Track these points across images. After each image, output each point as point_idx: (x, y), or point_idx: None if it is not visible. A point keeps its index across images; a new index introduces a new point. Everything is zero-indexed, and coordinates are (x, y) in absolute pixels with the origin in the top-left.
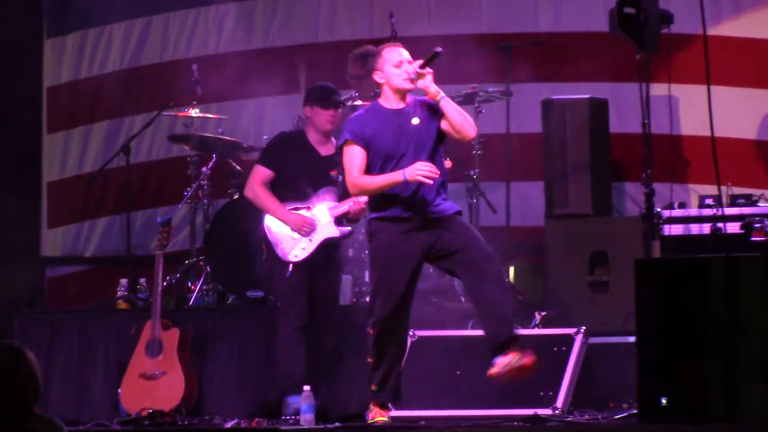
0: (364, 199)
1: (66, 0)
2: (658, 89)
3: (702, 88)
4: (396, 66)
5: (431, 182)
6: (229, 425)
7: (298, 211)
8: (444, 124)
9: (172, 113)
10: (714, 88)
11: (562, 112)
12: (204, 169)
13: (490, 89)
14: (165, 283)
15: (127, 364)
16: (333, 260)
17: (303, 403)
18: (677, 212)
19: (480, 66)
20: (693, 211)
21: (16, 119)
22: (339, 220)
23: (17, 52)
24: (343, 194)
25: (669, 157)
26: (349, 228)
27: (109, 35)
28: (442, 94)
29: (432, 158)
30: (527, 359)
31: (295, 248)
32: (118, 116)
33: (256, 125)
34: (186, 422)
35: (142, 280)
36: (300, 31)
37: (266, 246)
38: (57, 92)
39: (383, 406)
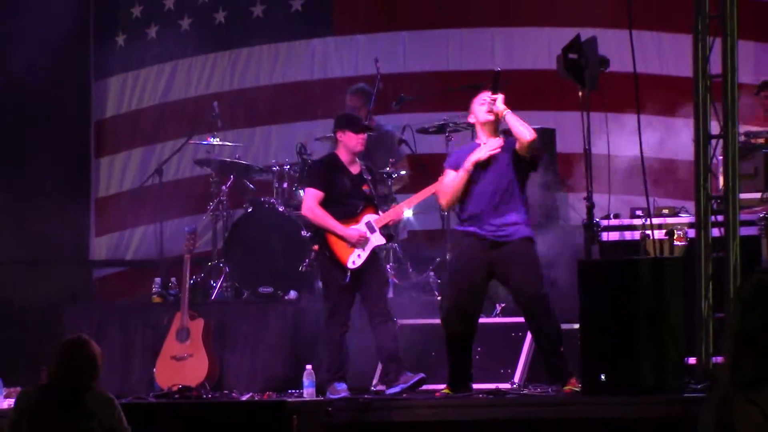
0: (402, 210)
1: (110, 48)
2: (594, 116)
3: (630, 116)
4: (480, 104)
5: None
6: (244, 398)
7: (350, 226)
8: (516, 144)
9: (196, 141)
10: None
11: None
12: (223, 187)
13: (458, 120)
14: (191, 281)
15: (160, 349)
16: (377, 263)
17: (306, 379)
18: (613, 221)
19: (448, 100)
20: (626, 221)
21: (69, 148)
22: (382, 230)
23: (70, 92)
24: (379, 206)
25: (606, 173)
26: (392, 236)
27: (145, 77)
28: (508, 110)
29: (510, 185)
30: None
31: (352, 256)
32: (152, 143)
33: (264, 150)
34: (209, 396)
35: (173, 279)
36: (298, 70)
37: (323, 256)
38: (103, 125)
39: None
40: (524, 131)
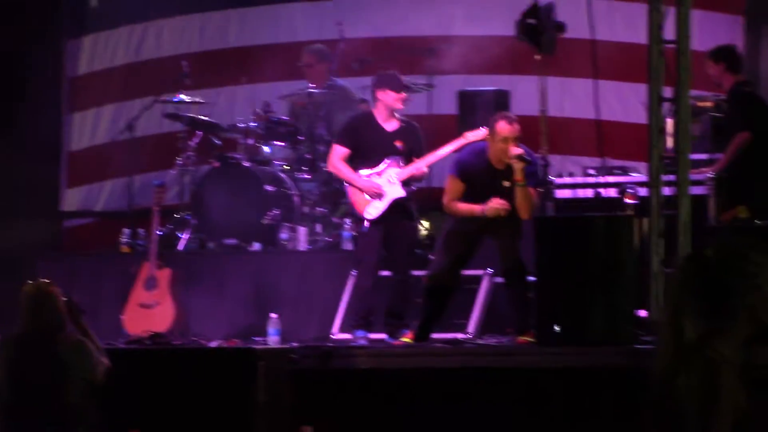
0: (425, 165)
1: (83, 9)
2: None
3: (583, 81)
4: (507, 145)
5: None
6: (212, 344)
7: (370, 178)
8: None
9: (166, 98)
10: (594, 81)
11: (473, 99)
12: (191, 143)
13: (418, 82)
14: (159, 233)
15: (128, 297)
16: (404, 219)
17: (270, 327)
18: (567, 180)
19: (409, 63)
20: (579, 179)
21: (44, 103)
22: (405, 183)
23: (44, 50)
24: (407, 161)
25: (560, 135)
26: (414, 188)
27: (117, 37)
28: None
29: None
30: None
31: (370, 207)
32: (123, 100)
33: (230, 109)
34: (178, 342)
35: (141, 230)
36: (265, 34)
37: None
38: (76, 81)
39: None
40: (527, 209)
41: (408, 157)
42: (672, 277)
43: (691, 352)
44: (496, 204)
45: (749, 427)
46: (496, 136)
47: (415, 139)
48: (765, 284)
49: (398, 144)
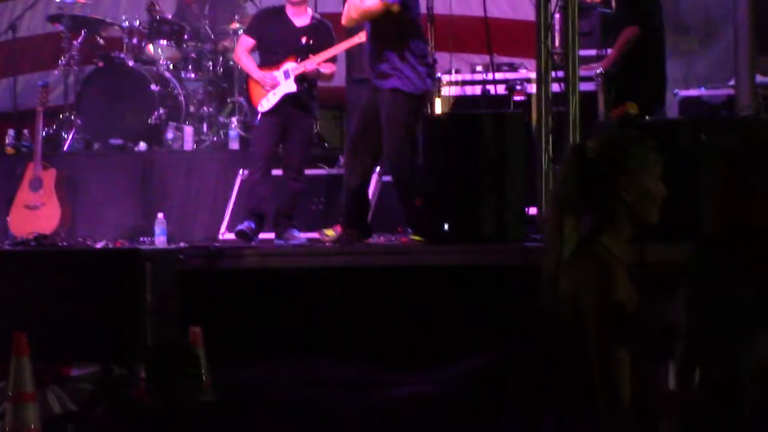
0: (318, 63)
1: None
2: None
3: None
4: None
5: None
6: (99, 245)
7: (268, 71)
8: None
9: None
10: None
11: None
12: (75, 42)
13: None
14: (44, 134)
15: (14, 198)
16: (303, 121)
17: (157, 227)
18: (455, 77)
19: None
20: (467, 76)
21: None
22: (299, 79)
23: None
24: (305, 58)
25: (447, 32)
26: (306, 84)
27: None
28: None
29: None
30: None
31: (263, 100)
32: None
33: (114, 7)
34: (64, 244)
35: (26, 131)
36: None
37: (247, 100)
38: None
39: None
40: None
41: (316, 54)
42: (557, 172)
43: (578, 249)
44: None
45: (641, 326)
46: None
47: (325, 38)
48: (644, 179)
49: (303, 39)
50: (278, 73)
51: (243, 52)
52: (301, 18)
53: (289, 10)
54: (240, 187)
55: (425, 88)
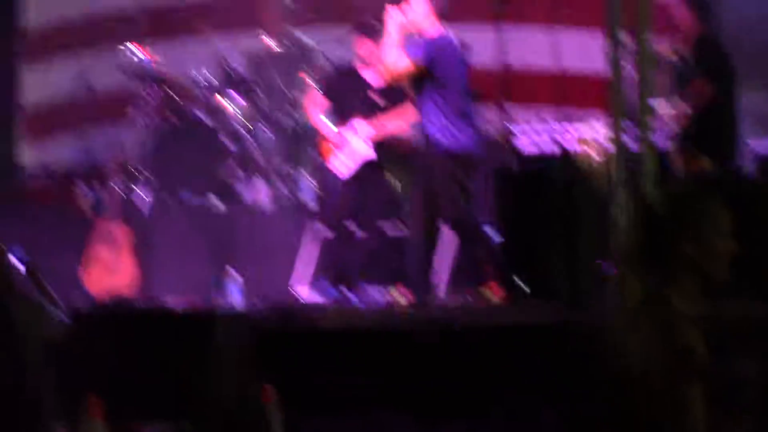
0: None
1: None
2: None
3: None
4: None
5: None
6: (172, 304)
7: (341, 130)
8: None
9: (121, 51)
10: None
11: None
12: (147, 97)
13: None
14: (117, 189)
15: (87, 253)
16: (377, 173)
17: (230, 283)
18: (526, 130)
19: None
20: (538, 130)
21: None
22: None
23: None
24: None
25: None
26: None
27: None
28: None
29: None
30: None
31: (337, 161)
32: (78, 53)
33: (187, 62)
34: (138, 305)
35: (98, 187)
36: None
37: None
38: (30, 34)
39: None
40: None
41: (389, 113)
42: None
43: (644, 305)
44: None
45: (711, 380)
46: None
47: (398, 97)
48: (710, 235)
49: (376, 99)
50: (353, 137)
51: (314, 108)
52: (375, 77)
53: (362, 69)
54: (311, 241)
55: (469, 148)
